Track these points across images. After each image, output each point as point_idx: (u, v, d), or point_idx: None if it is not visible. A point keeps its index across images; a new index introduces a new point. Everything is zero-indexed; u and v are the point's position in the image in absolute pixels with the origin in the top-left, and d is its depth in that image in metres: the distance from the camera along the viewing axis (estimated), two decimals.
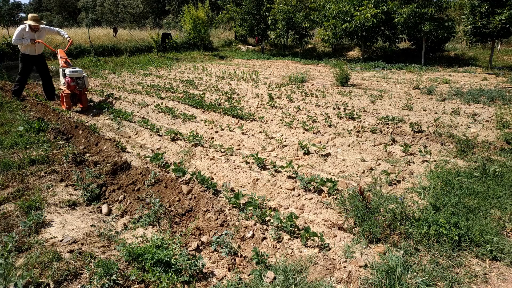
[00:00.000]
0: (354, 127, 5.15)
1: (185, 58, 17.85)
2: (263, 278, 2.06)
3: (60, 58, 6.63)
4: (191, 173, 3.51)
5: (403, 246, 2.31)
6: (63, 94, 6.41)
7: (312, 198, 3.08)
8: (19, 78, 7.17)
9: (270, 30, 19.39)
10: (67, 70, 6.26)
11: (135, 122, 5.77)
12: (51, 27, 7.33)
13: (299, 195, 3.16)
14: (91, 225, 2.72)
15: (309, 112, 6.12)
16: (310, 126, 5.14)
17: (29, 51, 6.94)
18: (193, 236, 2.58)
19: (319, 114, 5.93)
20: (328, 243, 2.45)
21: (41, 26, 6.98)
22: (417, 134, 4.72)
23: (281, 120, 5.53)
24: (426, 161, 3.83)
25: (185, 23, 19.93)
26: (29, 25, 6.77)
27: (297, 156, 4.19)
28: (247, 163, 3.96)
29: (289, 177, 3.55)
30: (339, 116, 5.75)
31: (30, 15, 6.88)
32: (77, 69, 6.42)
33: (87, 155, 4.34)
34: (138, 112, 6.53)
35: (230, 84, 9.58)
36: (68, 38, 7.08)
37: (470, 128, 4.95)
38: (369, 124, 5.25)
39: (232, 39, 24.59)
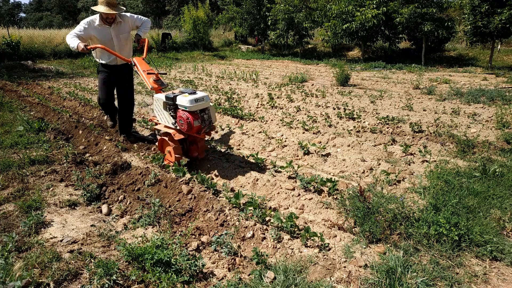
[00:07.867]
0: (354, 127, 5.15)
1: (185, 58, 17.85)
2: (263, 278, 2.06)
3: (143, 72, 3.83)
4: (191, 173, 3.51)
5: (403, 246, 2.31)
6: (169, 140, 3.65)
7: (312, 198, 3.08)
8: (99, 101, 4.41)
9: (270, 30, 19.39)
10: (184, 99, 3.30)
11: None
12: (139, 17, 4.32)
13: (299, 195, 3.16)
14: (91, 225, 2.72)
15: (309, 112, 6.12)
16: (310, 126, 5.14)
17: (106, 57, 4.17)
18: (193, 236, 2.58)
19: (319, 114, 5.93)
20: (328, 243, 2.45)
21: (122, 14, 4.08)
22: (417, 134, 4.72)
23: (281, 120, 5.53)
24: (426, 161, 3.83)
25: (185, 23, 19.97)
26: (101, 15, 3.96)
27: (297, 156, 4.19)
28: (247, 163, 3.96)
29: (289, 177, 3.55)
30: (339, 116, 5.75)
31: None
32: (200, 93, 3.45)
33: (87, 155, 4.34)
34: (137, 112, 6.53)
35: (230, 84, 9.58)
36: (141, 36, 4.21)
37: (470, 128, 4.95)
38: (369, 124, 5.25)
39: (232, 39, 24.59)
